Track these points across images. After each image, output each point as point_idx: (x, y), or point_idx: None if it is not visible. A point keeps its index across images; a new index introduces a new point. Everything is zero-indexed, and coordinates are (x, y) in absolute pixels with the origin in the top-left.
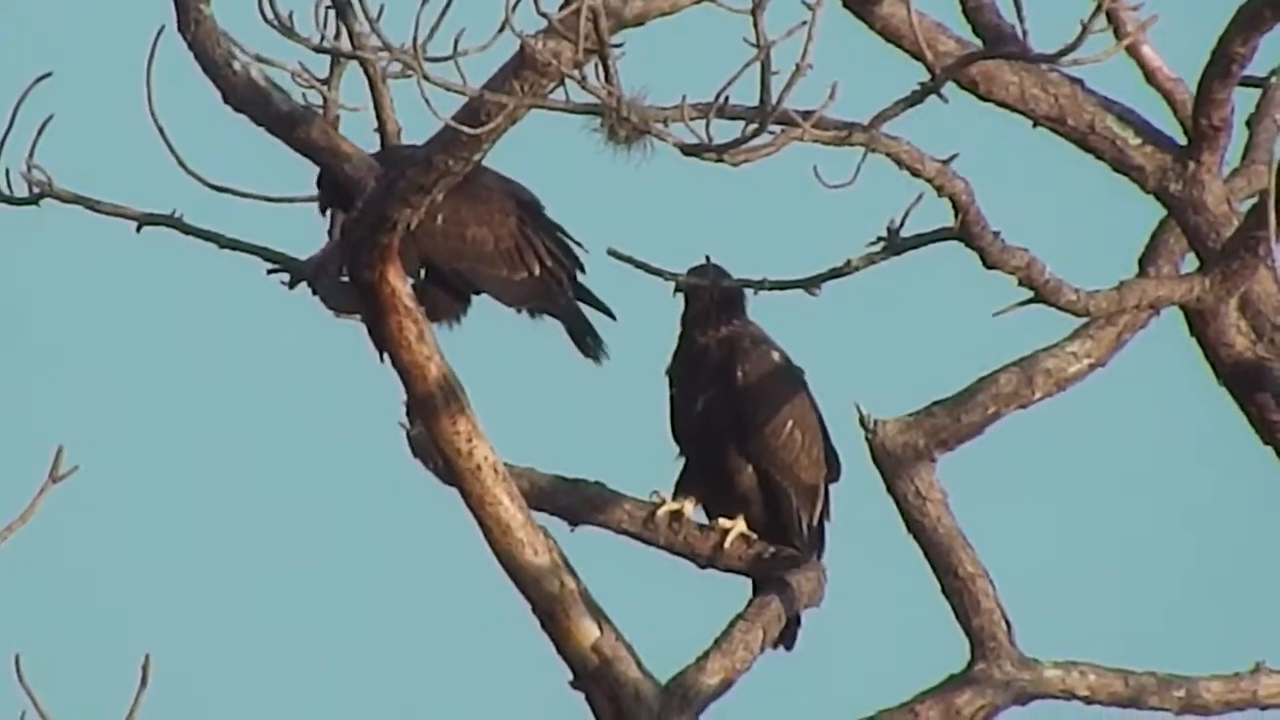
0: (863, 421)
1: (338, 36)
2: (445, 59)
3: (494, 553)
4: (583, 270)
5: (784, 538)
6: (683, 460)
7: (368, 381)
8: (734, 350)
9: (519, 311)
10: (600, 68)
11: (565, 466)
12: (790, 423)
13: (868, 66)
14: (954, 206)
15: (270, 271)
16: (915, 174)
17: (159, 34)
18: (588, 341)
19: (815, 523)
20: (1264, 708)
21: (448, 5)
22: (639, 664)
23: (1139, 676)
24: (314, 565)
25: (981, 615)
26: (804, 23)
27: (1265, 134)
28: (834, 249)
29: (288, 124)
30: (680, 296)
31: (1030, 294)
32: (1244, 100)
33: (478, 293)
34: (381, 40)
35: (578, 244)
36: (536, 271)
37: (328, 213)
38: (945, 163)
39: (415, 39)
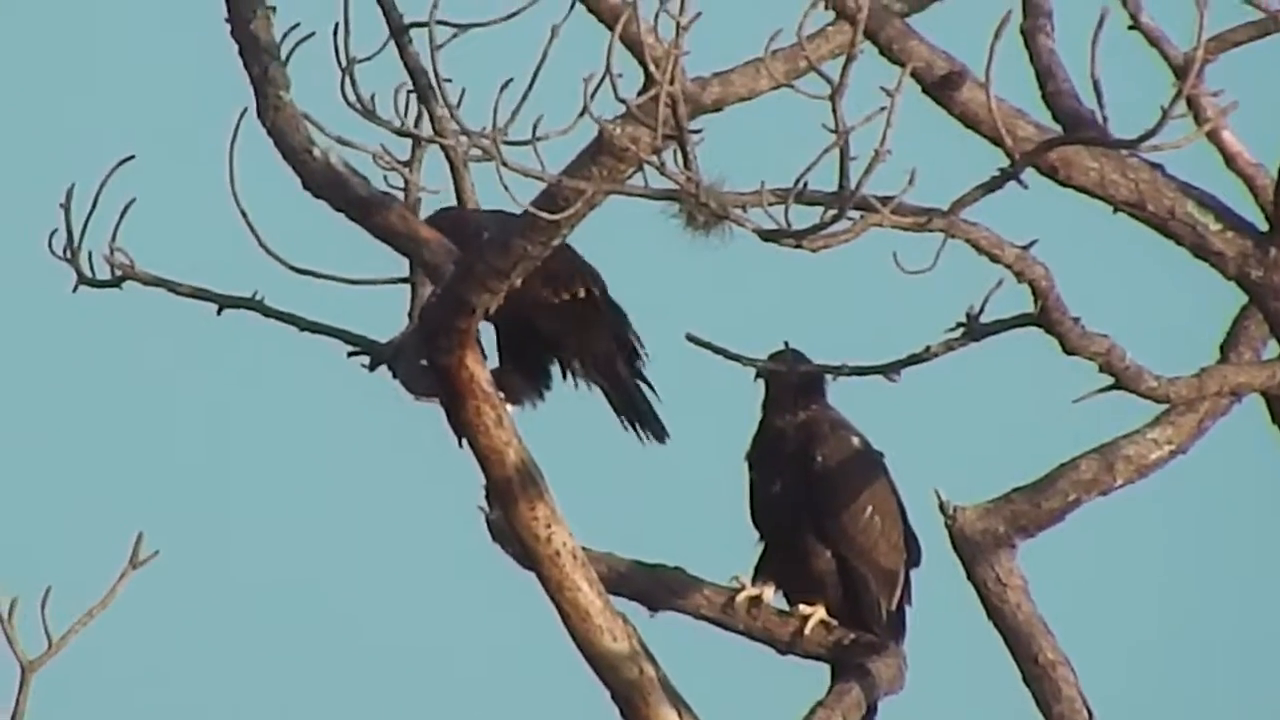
0: (942, 508)
1: (419, 121)
2: (524, 143)
3: (572, 638)
4: (639, 356)
5: (862, 623)
6: (762, 545)
7: (447, 465)
8: (812, 435)
9: (579, 377)
10: (679, 153)
11: (644, 551)
12: (869, 508)
13: (946, 152)
14: (1033, 292)
15: (350, 354)
16: (994, 259)
17: (240, 117)
18: (638, 420)
19: (894, 608)
20: None
21: (528, 91)
22: None
23: None
24: (394, 649)
25: (1062, 703)
26: (883, 108)
27: None
28: (913, 334)
29: (366, 209)
30: (759, 381)
31: (1111, 380)
32: None
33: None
34: (461, 125)
35: (637, 338)
36: (582, 293)
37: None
38: (1024, 248)
39: (495, 124)
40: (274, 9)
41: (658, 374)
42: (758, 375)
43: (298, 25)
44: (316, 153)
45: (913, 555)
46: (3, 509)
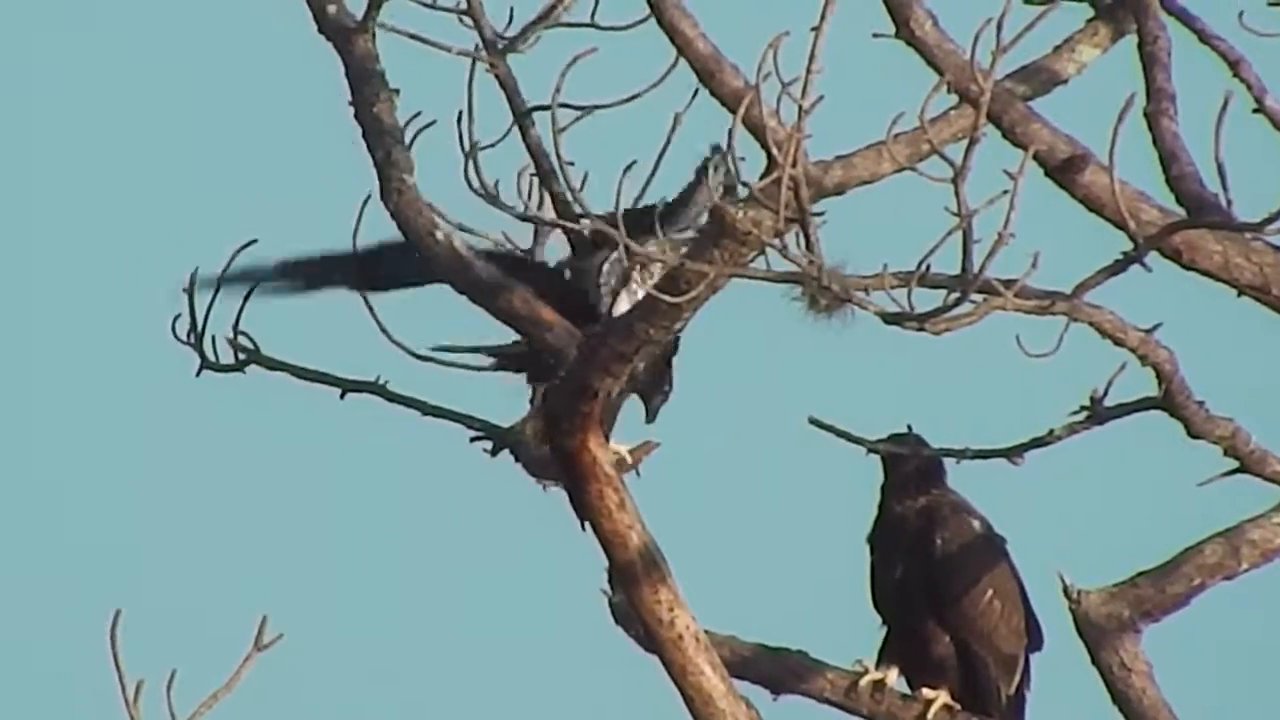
0: (1066, 592)
1: (540, 204)
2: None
3: None
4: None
5: (982, 708)
6: (884, 629)
7: (571, 549)
8: (933, 519)
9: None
10: (801, 236)
11: (767, 635)
12: (989, 592)
13: (1069, 235)
14: (1157, 376)
15: (473, 439)
16: (1118, 343)
17: (365, 202)
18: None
19: (1014, 692)
20: None
21: (651, 174)
22: None
23: None
24: None
25: None
26: (1005, 191)
27: None
28: (1036, 417)
29: (489, 292)
30: (881, 465)
31: (1236, 464)
32: None
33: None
34: (584, 209)
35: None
36: None
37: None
38: (1149, 332)
39: (618, 207)
40: (397, 92)
41: (781, 457)
42: (879, 458)
43: (419, 114)
44: (440, 235)
45: (1034, 640)
46: (132, 593)
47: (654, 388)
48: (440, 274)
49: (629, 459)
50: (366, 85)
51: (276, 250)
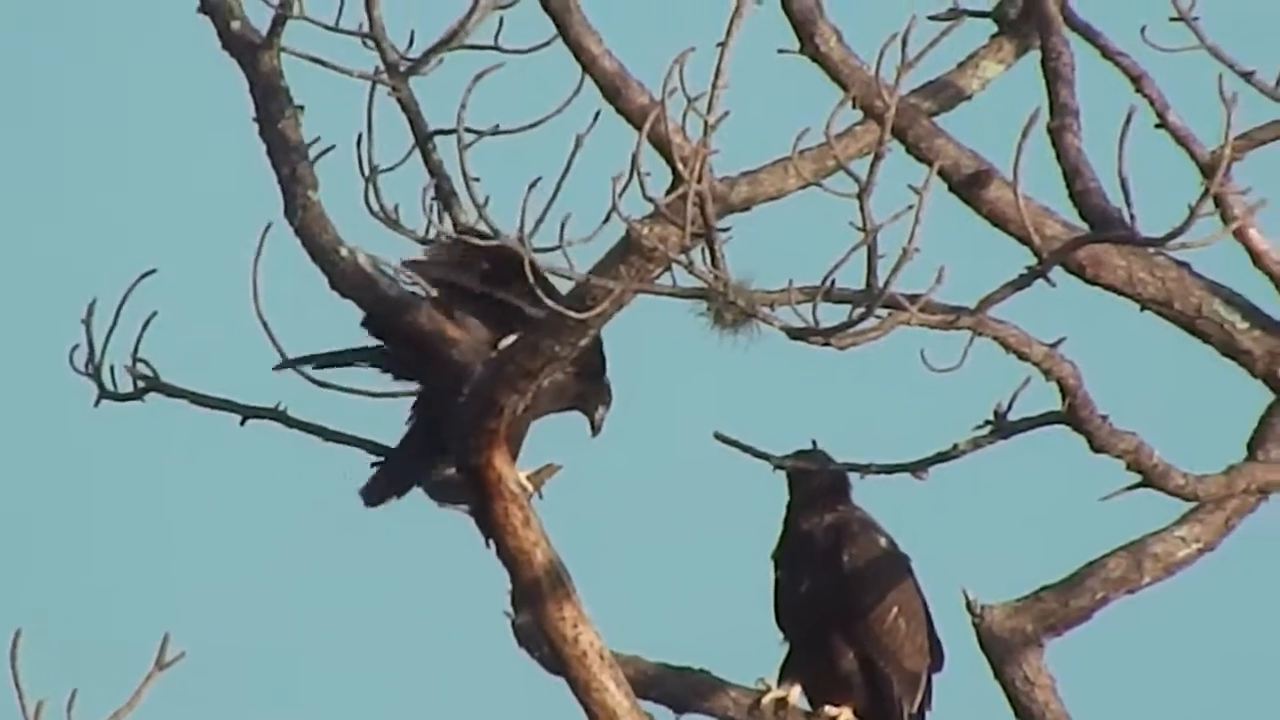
0: (970, 607)
1: (443, 224)
2: (554, 248)
3: None
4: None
5: None
6: (787, 646)
7: (472, 571)
8: (840, 535)
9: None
10: (707, 252)
11: (671, 653)
12: (895, 609)
13: (974, 250)
14: (1061, 390)
15: (374, 464)
16: (1023, 357)
17: (266, 230)
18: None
19: (916, 712)
20: None
21: (555, 193)
22: None
23: None
24: None
25: None
26: (910, 207)
27: None
28: (941, 433)
29: (395, 309)
30: (786, 481)
31: (1139, 478)
32: None
33: None
34: (489, 228)
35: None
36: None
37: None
38: (1053, 346)
39: (522, 227)
40: (302, 109)
41: (685, 473)
42: (785, 474)
43: (319, 139)
44: (344, 252)
45: (936, 659)
46: (32, 616)
47: (594, 401)
48: (345, 290)
49: (529, 486)
50: (271, 101)
51: (177, 275)
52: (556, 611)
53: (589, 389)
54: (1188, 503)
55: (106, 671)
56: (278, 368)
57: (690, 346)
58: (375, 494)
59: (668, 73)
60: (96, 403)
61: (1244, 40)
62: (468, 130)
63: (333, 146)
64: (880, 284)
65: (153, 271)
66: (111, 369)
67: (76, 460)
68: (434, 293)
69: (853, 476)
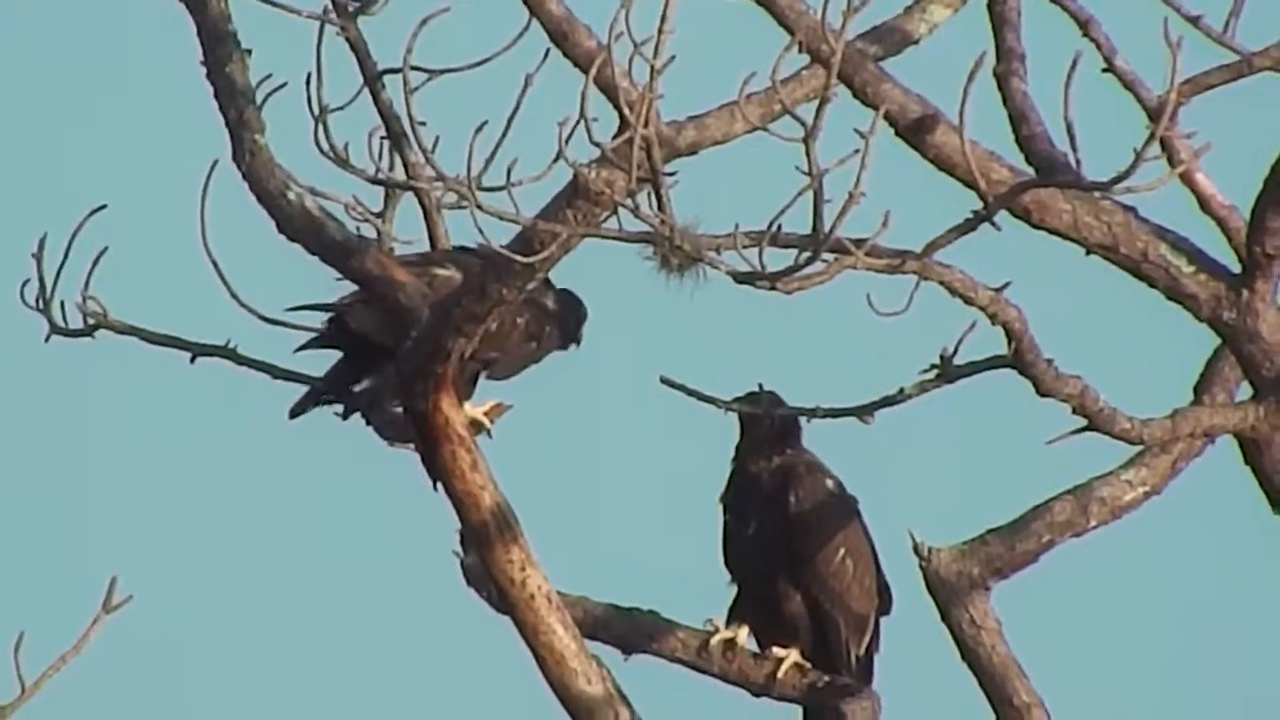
0: (917, 550)
1: (392, 168)
2: (499, 189)
3: (547, 682)
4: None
5: (832, 667)
6: (735, 588)
7: (422, 511)
8: (788, 478)
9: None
10: (653, 196)
11: (619, 595)
12: (842, 551)
13: (920, 194)
14: (1007, 334)
15: (324, 402)
16: (968, 302)
17: (212, 168)
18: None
19: (864, 654)
20: None
21: (503, 136)
22: None
23: None
24: (369, 695)
25: None
26: (856, 151)
27: None
28: (887, 377)
29: (342, 253)
30: (736, 424)
31: (1084, 422)
32: None
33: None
34: (436, 171)
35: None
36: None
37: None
38: (998, 291)
39: (469, 169)
40: (250, 52)
41: (633, 416)
42: (734, 417)
43: (270, 76)
44: (292, 196)
45: (884, 602)
46: None
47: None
48: (293, 234)
49: (484, 421)
50: (219, 46)
51: (128, 214)
52: (504, 554)
53: (563, 331)
54: (1133, 447)
55: (55, 615)
56: (294, 415)
57: (637, 290)
58: (297, 406)
59: (614, 17)
60: (47, 338)
61: None
62: (415, 69)
63: (284, 84)
64: (826, 229)
65: (104, 207)
66: (62, 305)
67: (26, 396)
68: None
69: (800, 420)
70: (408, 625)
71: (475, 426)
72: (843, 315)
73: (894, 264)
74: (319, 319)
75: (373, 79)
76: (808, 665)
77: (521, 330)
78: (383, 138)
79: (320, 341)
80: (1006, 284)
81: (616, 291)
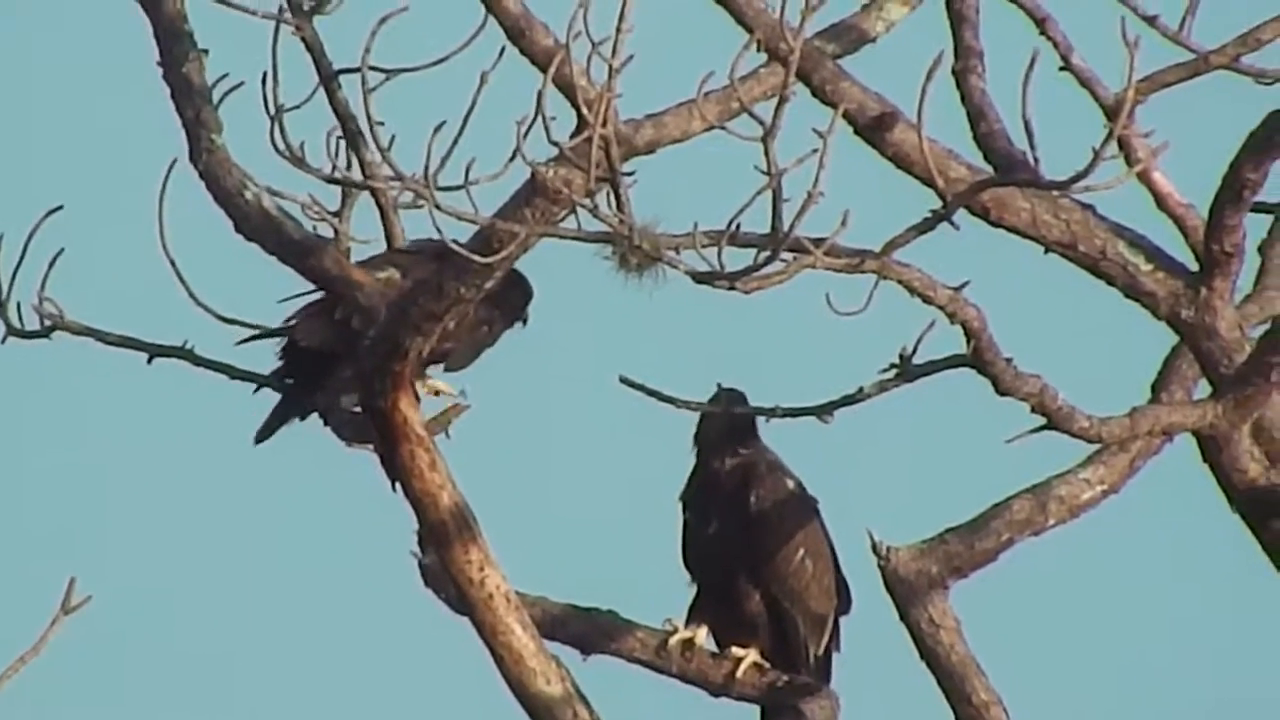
0: (875, 549)
1: (349, 167)
2: (457, 188)
3: (506, 682)
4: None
5: (791, 667)
6: (694, 587)
7: (380, 512)
8: (748, 477)
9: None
10: (612, 196)
11: (577, 595)
12: (801, 551)
13: (879, 193)
14: (966, 333)
15: (287, 422)
16: (927, 301)
17: (170, 168)
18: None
19: (822, 653)
20: None
21: (459, 134)
22: None
23: None
24: (327, 698)
25: None
26: (815, 151)
27: (1277, 259)
28: (846, 376)
29: (300, 253)
30: (696, 423)
31: (1043, 421)
32: (1256, 226)
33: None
34: (394, 170)
35: None
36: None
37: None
38: (957, 290)
39: (427, 168)
40: (206, 52)
41: (593, 415)
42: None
43: (226, 75)
44: (249, 196)
45: (843, 602)
46: None
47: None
48: (250, 233)
49: (446, 389)
50: (176, 45)
51: (84, 215)
52: (463, 554)
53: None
54: (1092, 445)
55: (12, 615)
56: (260, 440)
57: (596, 290)
58: (262, 430)
59: (572, 15)
60: (3, 340)
61: None
62: (372, 69)
63: (241, 84)
64: (785, 228)
65: (59, 208)
66: (18, 306)
67: None
68: None
69: (760, 420)
70: (366, 626)
71: (445, 419)
72: (802, 314)
73: (853, 263)
74: (277, 317)
75: (328, 78)
76: (766, 665)
77: (471, 317)
78: (339, 137)
79: (277, 373)
80: (965, 283)
81: (575, 291)
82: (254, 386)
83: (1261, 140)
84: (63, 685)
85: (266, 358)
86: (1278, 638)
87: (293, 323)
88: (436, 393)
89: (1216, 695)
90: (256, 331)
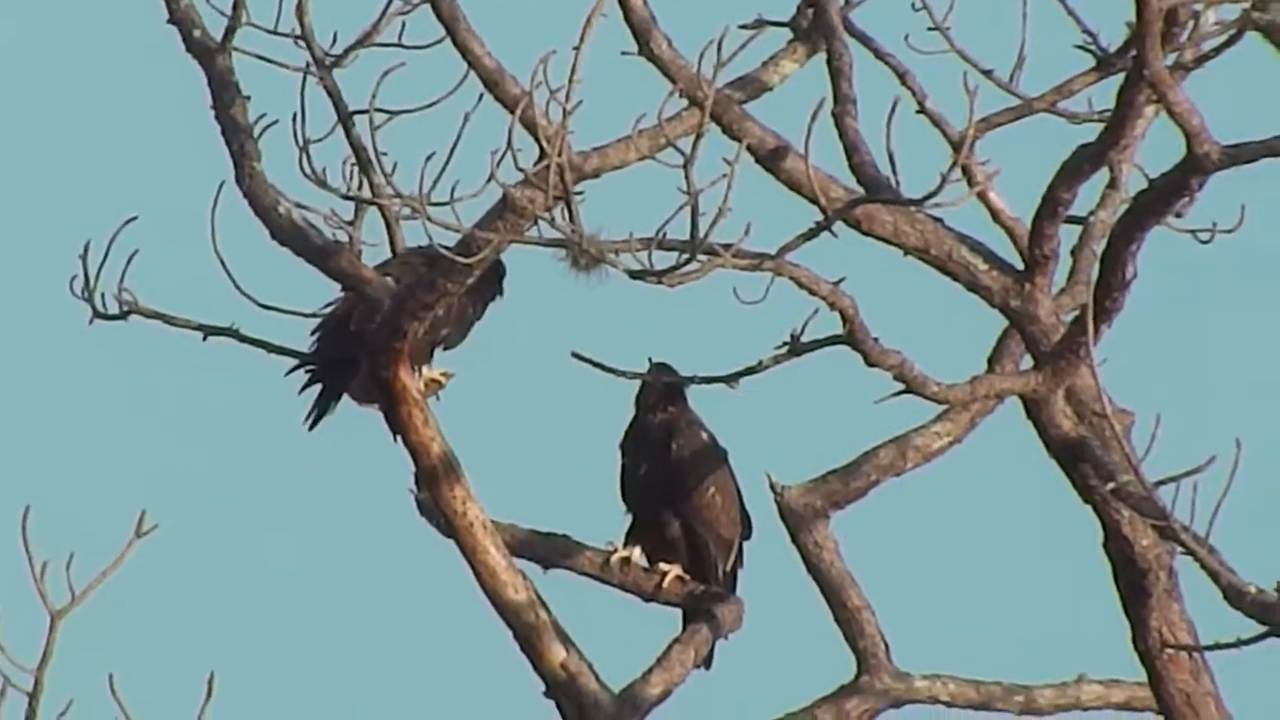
0: (772, 486)
1: (360, 187)
2: (445, 204)
3: (483, 591)
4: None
5: (705, 579)
6: (630, 517)
7: (386, 457)
8: (671, 430)
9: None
10: (566, 210)
11: (540, 521)
12: (713, 489)
13: (775, 208)
14: (842, 318)
15: (332, 409)
16: (812, 293)
17: (220, 189)
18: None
19: (730, 569)
20: (1085, 709)
21: (447, 162)
22: (597, 678)
23: (988, 685)
24: (342, 602)
25: (865, 639)
26: (724, 175)
27: (1085, 261)
28: (749, 352)
29: (323, 255)
30: (636, 389)
31: (903, 386)
32: (1069, 235)
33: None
34: (395, 190)
35: None
36: None
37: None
38: (836, 284)
39: (421, 188)
40: (249, 98)
41: (554, 385)
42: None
43: (264, 115)
44: (282, 210)
45: (746, 529)
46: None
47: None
48: (283, 240)
49: (442, 380)
50: (225, 92)
51: (154, 226)
52: (449, 491)
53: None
54: (941, 406)
55: (97, 540)
56: (312, 426)
57: (553, 285)
58: (312, 419)
59: (534, 69)
60: (90, 322)
61: (985, 45)
62: (378, 110)
63: (275, 122)
64: (701, 235)
65: (135, 218)
66: (102, 295)
67: (73, 369)
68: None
69: (683, 385)
70: (374, 548)
71: (433, 385)
72: (714, 304)
73: (754, 263)
74: (305, 305)
75: (345, 118)
76: (687, 578)
77: (459, 305)
78: (352, 164)
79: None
80: (842, 279)
81: (538, 286)
82: (289, 366)
83: (1072, 168)
84: (136, 595)
85: (300, 338)
86: (1084, 552)
87: (319, 338)
88: (431, 380)
89: (1038, 598)
90: (304, 356)
